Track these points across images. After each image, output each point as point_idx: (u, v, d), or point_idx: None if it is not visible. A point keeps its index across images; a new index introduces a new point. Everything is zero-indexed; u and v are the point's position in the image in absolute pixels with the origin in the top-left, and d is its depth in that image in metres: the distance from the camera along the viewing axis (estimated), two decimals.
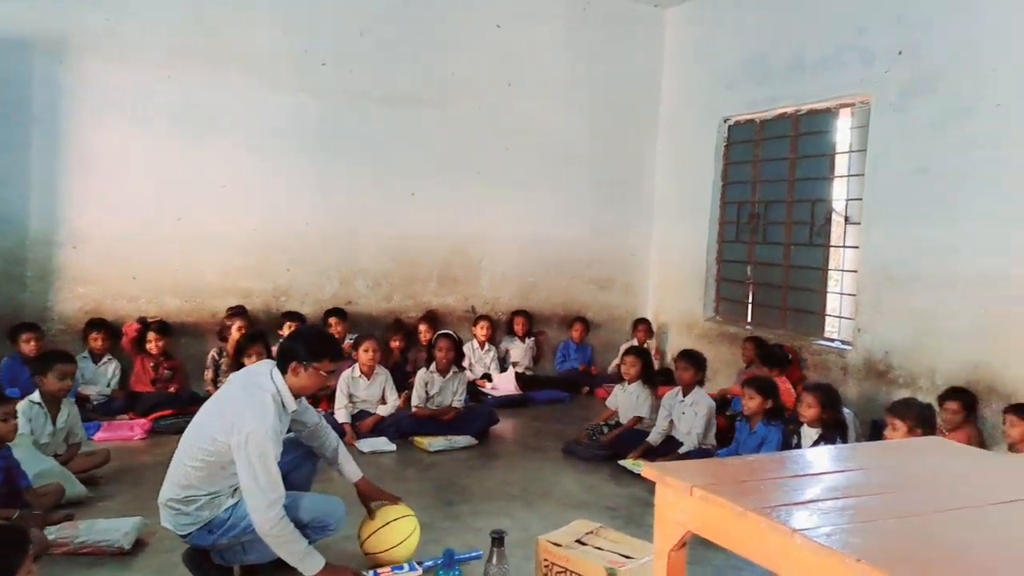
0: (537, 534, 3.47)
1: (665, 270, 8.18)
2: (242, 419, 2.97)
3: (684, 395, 5.26)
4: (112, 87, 6.16)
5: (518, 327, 7.60)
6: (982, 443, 4.67)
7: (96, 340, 5.97)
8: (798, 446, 4.43)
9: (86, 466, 4.44)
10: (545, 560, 3.10)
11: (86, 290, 6.21)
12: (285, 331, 6.36)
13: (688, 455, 4.99)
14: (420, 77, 7.20)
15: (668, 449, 5.13)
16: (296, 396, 3.21)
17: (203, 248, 6.54)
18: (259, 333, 5.86)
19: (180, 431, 5.30)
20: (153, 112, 6.29)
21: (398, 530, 3.38)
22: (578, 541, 3.15)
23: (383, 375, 5.84)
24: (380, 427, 5.60)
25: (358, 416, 5.65)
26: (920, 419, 3.96)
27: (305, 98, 6.78)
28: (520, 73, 7.58)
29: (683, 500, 1.92)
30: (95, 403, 5.77)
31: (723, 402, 6.06)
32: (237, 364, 5.41)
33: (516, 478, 4.85)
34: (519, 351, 7.58)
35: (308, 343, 3.22)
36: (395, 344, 6.84)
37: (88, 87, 6.10)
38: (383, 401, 5.78)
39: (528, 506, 4.34)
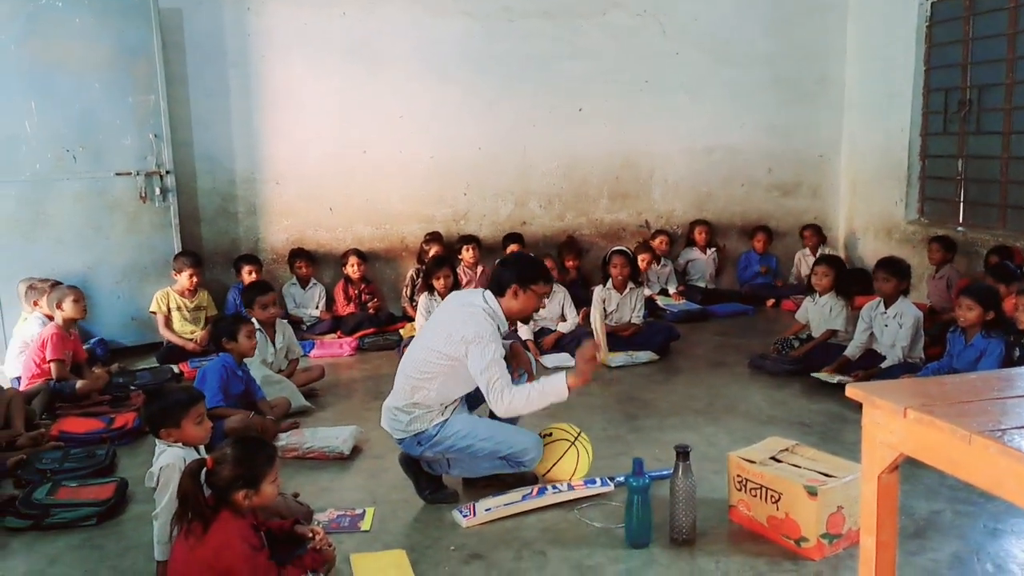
0: (725, 449, 3.48)
1: (858, 170, 7.58)
2: (462, 329, 3.20)
3: (886, 306, 4.90)
4: (294, 29, 6.48)
5: (698, 237, 7.39)
6: None
7: (301, 268, 6.50)
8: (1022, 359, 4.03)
9: (305, 380, 4.92)
10: (738, 476, 3.08)
11: (290, 222, 6.73)
12: (463, 254, 6.63)
13: (891, 370, 4.67)
14: None
15: (868, 363, 4.84)
16: (509, 319, 3.38)
17: (388, 177, 6.85)
18: (446, 257, 6.16)
19: (382, 348, 5.89)
20: (332, 50, 6.57)
21: (568, 462, 3.46)
22: (772, 458, 3.09)
23: (561, 293, 5.91)
24: (561, 343, 5.73)
25: (539, 333, 5.82)
26: None
27: (468, 21, 6.80)
28: None
29: (895, 422, 1.82)
30: (307, 324, 6.34)
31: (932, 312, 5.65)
32: (427, 285, 5.73)
33: (700, 393, 4.81)
34: (701, 263, 7.40)
35: (523, 267, 3.39)
36: (570, 262, 6.92)
37: (273, 30, 6.46)
38: (563, 318, 5.89)
39: (714, 421, 4.31)
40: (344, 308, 6.47)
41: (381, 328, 6.26)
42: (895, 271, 4.88)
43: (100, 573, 2.91)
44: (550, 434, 3.53)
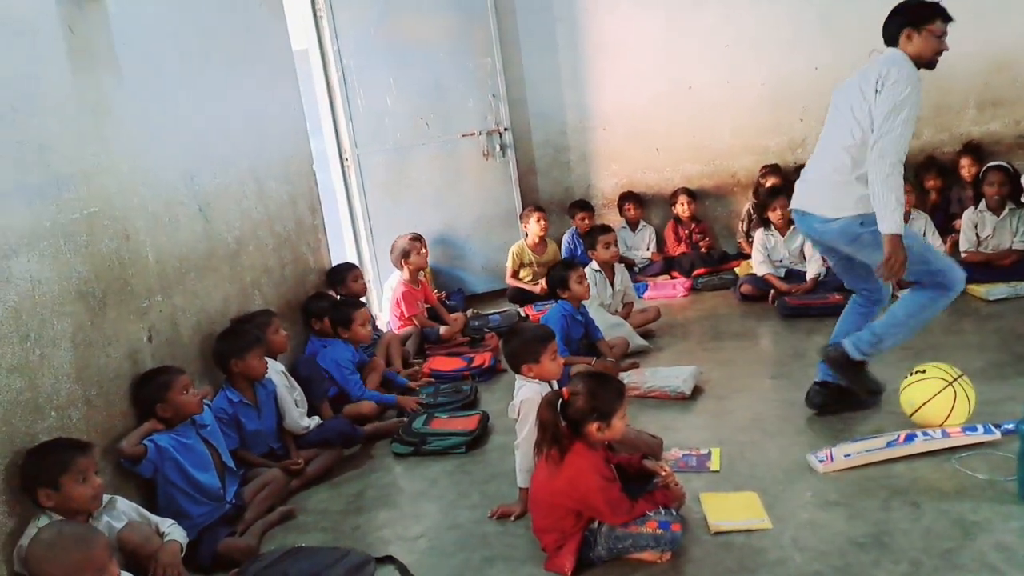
0: None
1: None
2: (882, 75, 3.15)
3: None
4: None
5: None
6: None
7: (630, 210, 6.55)
8: None
9: (641, 322, 4.98)
10: None
11: (618, 167, 6.79)
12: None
13: None
14: None
15: None
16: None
17: (715, 112, 6.56)
18: (783, 187, 5.76)
19: (716, 288, 5.75)
20: None
21: (941, 403, 3.08)
22: None
23: (922, 219, 5.36)
24: None
25: None
26: None
27: None
28: None
29: None
30: (639, 267, 6.41)
31: None
32: (762, 220, 5.45)
33: None
34: None
35: (910, 8, 3.18)
36: (930, 184, 6.12)
37: None
38: None
39: None
40: (675, 248, 6.41)
41: (715, 267, 6.10)
42: None
43: (471, 495, 3.23)
44: (924, 371, 3.18)
